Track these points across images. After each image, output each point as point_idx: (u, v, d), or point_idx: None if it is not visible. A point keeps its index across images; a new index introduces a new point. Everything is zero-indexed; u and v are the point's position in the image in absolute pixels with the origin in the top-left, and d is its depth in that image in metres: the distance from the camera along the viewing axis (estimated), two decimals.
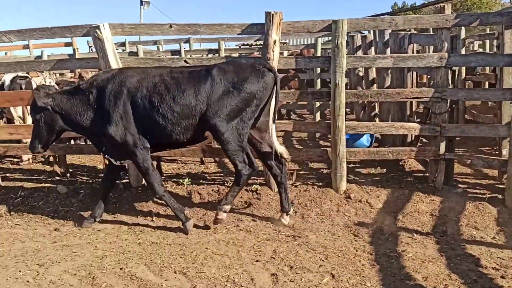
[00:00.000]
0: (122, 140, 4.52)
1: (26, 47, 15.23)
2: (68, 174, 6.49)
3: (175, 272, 3.84)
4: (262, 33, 5.17)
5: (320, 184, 5.61)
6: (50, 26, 5.40)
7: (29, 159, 7.56)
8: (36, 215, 5.26)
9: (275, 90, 4.59)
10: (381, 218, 4.87)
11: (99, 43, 5.13)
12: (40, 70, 6.03)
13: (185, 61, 5.33)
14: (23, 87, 6.88)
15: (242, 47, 19.12)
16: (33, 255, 4.23)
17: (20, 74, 6.88)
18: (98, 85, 4.58)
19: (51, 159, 7.50)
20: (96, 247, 4.38)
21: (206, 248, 4.30)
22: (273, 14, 5.00)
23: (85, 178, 6.49)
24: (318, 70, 10.36)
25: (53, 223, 5.09)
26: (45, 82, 7.66)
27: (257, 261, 4.01)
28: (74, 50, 12.27)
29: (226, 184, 5.70)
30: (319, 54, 10.72)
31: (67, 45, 15.32)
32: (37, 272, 3.88)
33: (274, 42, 5.04)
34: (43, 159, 7.70)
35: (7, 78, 7.05)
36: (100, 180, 6.30)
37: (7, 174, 6.57)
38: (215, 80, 4.43)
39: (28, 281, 3.71)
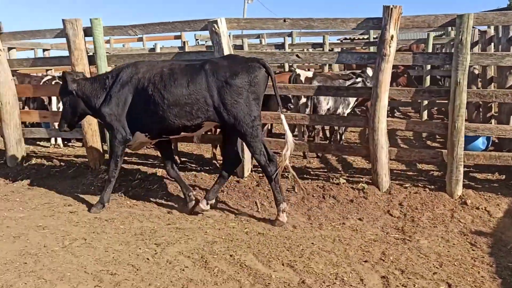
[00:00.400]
0: (109, 121, 5.03)
1: (140, 39, 16.35)
2: (179, 161, 6.86)
3: (283, 264, 3.89)
4: (379, 27, 5.02)
5: (432, 187, 5.33)
6: (171, 21, 5.72)
7: None
8: (151, 197, 5.64)
9: (272, 84, 4.78)
10: (502, 228, 4.51)
11: (216, 37, 5.33)
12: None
13: (297, 55, 5.34)
14: None
15: (344, 41, 18.79)
16: (151, 234, 4.54)
17: None
18: (114, 73, 5.09)
19: None
20: (206, 232, 4.58)
21: (312, 243, 4.30)
22: (392, 8, 4.82)
23: (194, 165, 6.81)
24: (428, 66, 9.86)
25: (166, 206, 5.41)
26: None
27: (365, 261, 3.93)
28: (184, 43, 12.90)
29: (331, 180, 5.64)
30: (430, 49, 10.19)
31: (176, 38, 16.19)
32: (155, 251, 4.16)
33: (392, 37, 4.87)
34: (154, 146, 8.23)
35: None
36: (207, 168, 6.60)
37: (125, 158, 7.08)
38: (208, 74, 4.67)
39: (148, 259, 3.99)
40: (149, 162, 7.05)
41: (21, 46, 11.69)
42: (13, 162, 6.89)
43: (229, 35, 14.92)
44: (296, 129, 7.64)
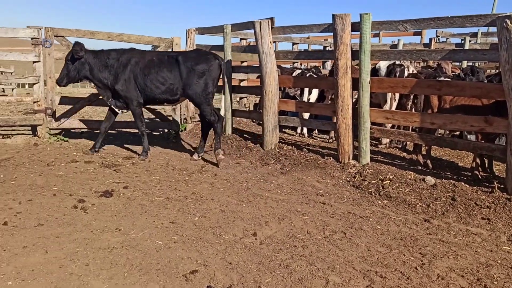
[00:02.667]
0: (124, 95, 7.02)
1: (376, 35, 16.11)
2: (430, 166, 6.42)
3: None
4: None
5: None
6: (449, 16, 5.29)
7: (386, 143, 7.90)
8: (403, 201, 5.37)
9: (220, 72, 7.03)
10: None
11: (505, 34, 4.69)
12: (430, 60, 6.06)
13: None
14: (397, 74, 7.14)
15: None
16: (412, 242, 4.28)
17: (397, 62, 7.15)
18: (114, 56, 6.97)
19: (408, 146, 7.64)
20: (476, 251, 4.09)
21: None
22: None
23: (449, 173, 6.27)
24: None
25: (421, 213, 5.07)
26: (408, 69, 7.79)
27: None
28: (430, 39, 12.15)
29: None
30: None
31: (415, 34, 15.43)
32: (421, 261, 3.88)
33: None
34: (399, 146, 7.92)
35: (383, 64, 7.45)
36: (465, 178, 5.99)
37: (371, 155, 6.99)
38: (181, 63, 6.82)
39: (416, 268, 3.74)
40: (396, 163, 6.79)
41: (274, 39, 12.73)
42: (268, 147, 7.49)
43: (478, 32, 13.64)
44: None
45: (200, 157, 7.26)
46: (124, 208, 4.94)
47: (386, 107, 7.42)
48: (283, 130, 9.41)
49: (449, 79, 6.28)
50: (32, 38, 7.81)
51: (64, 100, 8.56)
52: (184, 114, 9.78)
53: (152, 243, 4.05)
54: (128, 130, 9.39)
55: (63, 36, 8.10)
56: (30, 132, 8.49)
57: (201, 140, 7.34)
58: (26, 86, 29.37)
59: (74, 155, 7.19)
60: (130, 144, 8.26)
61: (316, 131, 9.44)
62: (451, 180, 5.66)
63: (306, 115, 8.52)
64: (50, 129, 8.22)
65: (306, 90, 8.56)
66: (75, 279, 3.33)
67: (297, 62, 11.38)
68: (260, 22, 7.15)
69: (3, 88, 23.69)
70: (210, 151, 7.73)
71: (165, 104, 7.49)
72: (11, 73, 23.76)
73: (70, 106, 8.53)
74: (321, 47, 14.46)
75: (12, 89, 23.05)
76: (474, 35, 14.43)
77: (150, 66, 6.93)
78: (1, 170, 6.18)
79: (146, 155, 7.16)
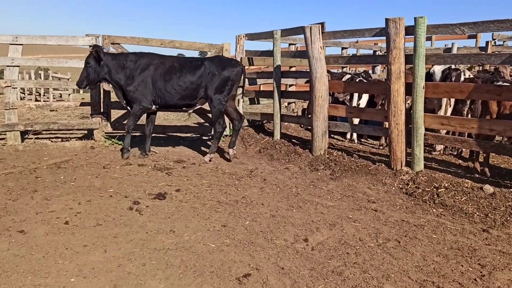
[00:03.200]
0: (133, 95, 7.10)
1: (428, 38, 15.66)
2: (488, 174, 6.16)
3: None
4: None
5: None
6: (510, 18, 5.07)
7: (440, 150, 7.66)
8: (459, 209, 5.18)
9: (243, 76, 7.49)
10: None
11: None
12: (489, 64, 5.83)
13: None
14: (453, 79, 6.91)
15: None
16: (470, 253, 4.12)
17: (452, 66, 6.93)
18: (132, 58, 7.11)
19: (463, 153, 7.38)
20: None
21: None
22: None
23: (507, 182, 5.99)
24: None
25: (479, 222, 4.87)
26: (464, 74, 7.52)
27: None
28: (486, 43, 11.68)
29: None
30: None
31: (470, 37, 14.87)
32: (481, 272, 3.73)
33: None
34: (454, 153, 7.66)
35: (437, 69, 7.24)
36: None
37: (425, 162, 6.78)
38: (206, 68, 7.06)
39: (475, 280, 3.59)
40: (451, 170, 6.56)
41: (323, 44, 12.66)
42: (317, 152, 7.44)
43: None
44: None
45: (234, 151, 7.52)
46: (177, 210, 5.05)
47: (441, 112, 7.20)
48: (332, 135, 9.32)
49: (509, 84, 6.01)
50: (90, 46, 8.15)
51: (118, 105, 8.87)
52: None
53: (205, 245, 4.12)
54: (178, 134, 9.60)
55: (119, 44, 8.41)
56: (87, 136, 8.86)
57: (232, 136, 7.58)
58: (81, 91, 30.67)
59: (128, 158, 7.43)
60: (180, 148, 8.44)
61: (366, 137, 9.29)
62: (511, 189, 5.40)
63: (356, 121, 8.41)
64: (106, 133, 8.54)
65: (356, 95, 8.44)
66: (133, 278, 3.45)
67: (346, 67, 11.25)
68: (310, 27, 7.14)
69: (60, 94, 24.92)
70: (257, 155, 7.77)
71: (183, 109, 7.59)
72: (68, 79, 24.93)
73: (124, 111, 8.82)
74: (370, 52, 14.22)
75: (69, 94, 24.21)
76: None
77: (172, 72, 7.06)
78: (62, 171, 6.49)
79: (127, 152, 7.40)
